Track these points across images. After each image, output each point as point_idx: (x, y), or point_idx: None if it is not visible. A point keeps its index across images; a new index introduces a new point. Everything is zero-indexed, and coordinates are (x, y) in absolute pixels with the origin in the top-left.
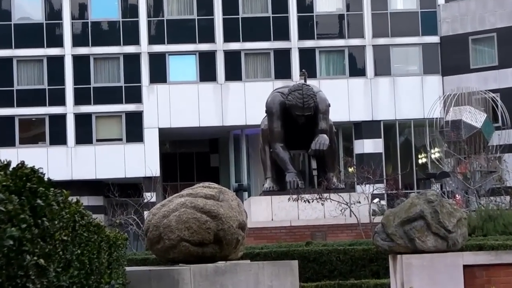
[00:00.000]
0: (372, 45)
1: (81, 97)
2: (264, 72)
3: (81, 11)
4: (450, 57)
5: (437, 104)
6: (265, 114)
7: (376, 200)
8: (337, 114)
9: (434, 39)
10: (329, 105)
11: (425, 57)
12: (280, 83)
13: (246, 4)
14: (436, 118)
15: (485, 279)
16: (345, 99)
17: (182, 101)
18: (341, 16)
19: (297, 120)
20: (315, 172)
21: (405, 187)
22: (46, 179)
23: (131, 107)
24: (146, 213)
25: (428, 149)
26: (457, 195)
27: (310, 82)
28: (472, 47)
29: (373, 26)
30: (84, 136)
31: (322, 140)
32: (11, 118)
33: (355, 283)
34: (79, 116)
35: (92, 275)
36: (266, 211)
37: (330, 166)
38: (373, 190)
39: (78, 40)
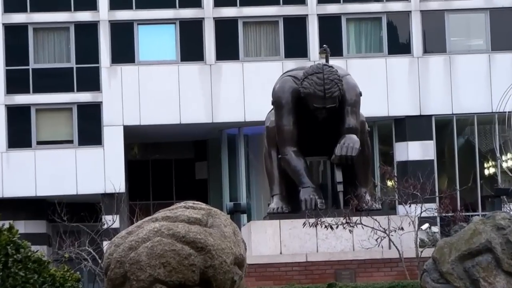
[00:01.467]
0: (420, 11)
1: (15, 83)
2: (270, 49)
3: None
4: None
5: (511, 93)
6: (272, 107)
7: (426, 226)
8: (372, 106)
9: (507, 2)
10: (360, 94)
11: (494, 28)
12: (292, 64)
13: None
14: (509, 112)
15: None
16: (383, 86)
17: (156, 88)
18: None
19: (315, 114)
20: (340, 187)
21: (466, 208)
22: None
23: (86, 97)
24: (106, 243)
25: (498, 155)
26: None
27: (333, 62)
28: None
29: None
30: (20, 137)
31: (350, 143)
32: None
33: None
34: (12, 109)
35: None
36: (272, 240)
37: (361, 178)
38: (421, 212)
39: (12, 4)
